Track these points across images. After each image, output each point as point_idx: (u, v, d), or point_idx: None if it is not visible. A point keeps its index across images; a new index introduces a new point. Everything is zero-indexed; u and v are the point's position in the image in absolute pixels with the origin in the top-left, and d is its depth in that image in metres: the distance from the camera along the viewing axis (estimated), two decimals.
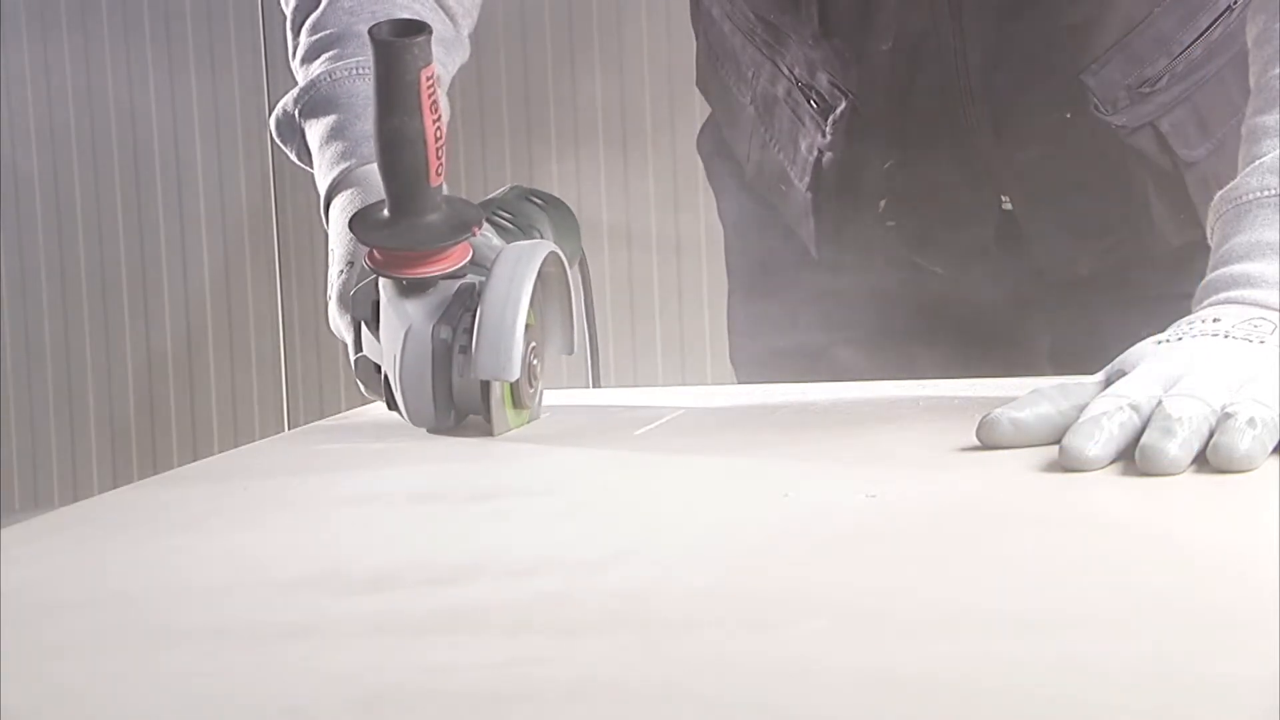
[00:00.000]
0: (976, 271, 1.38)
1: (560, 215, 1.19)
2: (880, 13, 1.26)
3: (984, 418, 0.90)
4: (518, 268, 1.03)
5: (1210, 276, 0.99)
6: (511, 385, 1.06)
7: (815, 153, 1.35)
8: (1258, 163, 1.02)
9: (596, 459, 0.99)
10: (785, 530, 0.76)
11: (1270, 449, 0.82)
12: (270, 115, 1.20)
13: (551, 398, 1.16)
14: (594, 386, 1.27)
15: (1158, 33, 1.27)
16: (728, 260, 1.53)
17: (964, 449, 0.91)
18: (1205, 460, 0.82)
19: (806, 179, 1.36)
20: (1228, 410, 0.83)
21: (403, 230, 1.01)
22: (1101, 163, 1.30)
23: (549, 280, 1.10)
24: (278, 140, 1.20)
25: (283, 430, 1.63)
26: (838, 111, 1.32)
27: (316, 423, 1.27)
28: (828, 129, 1.33)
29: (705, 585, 0.67)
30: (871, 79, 1.30)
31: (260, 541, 0.80)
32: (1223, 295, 0.96)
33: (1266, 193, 1.00)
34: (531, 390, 1.08)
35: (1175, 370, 0.88)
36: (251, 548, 0.78)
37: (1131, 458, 0.83)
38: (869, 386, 1.25)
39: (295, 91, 1.19)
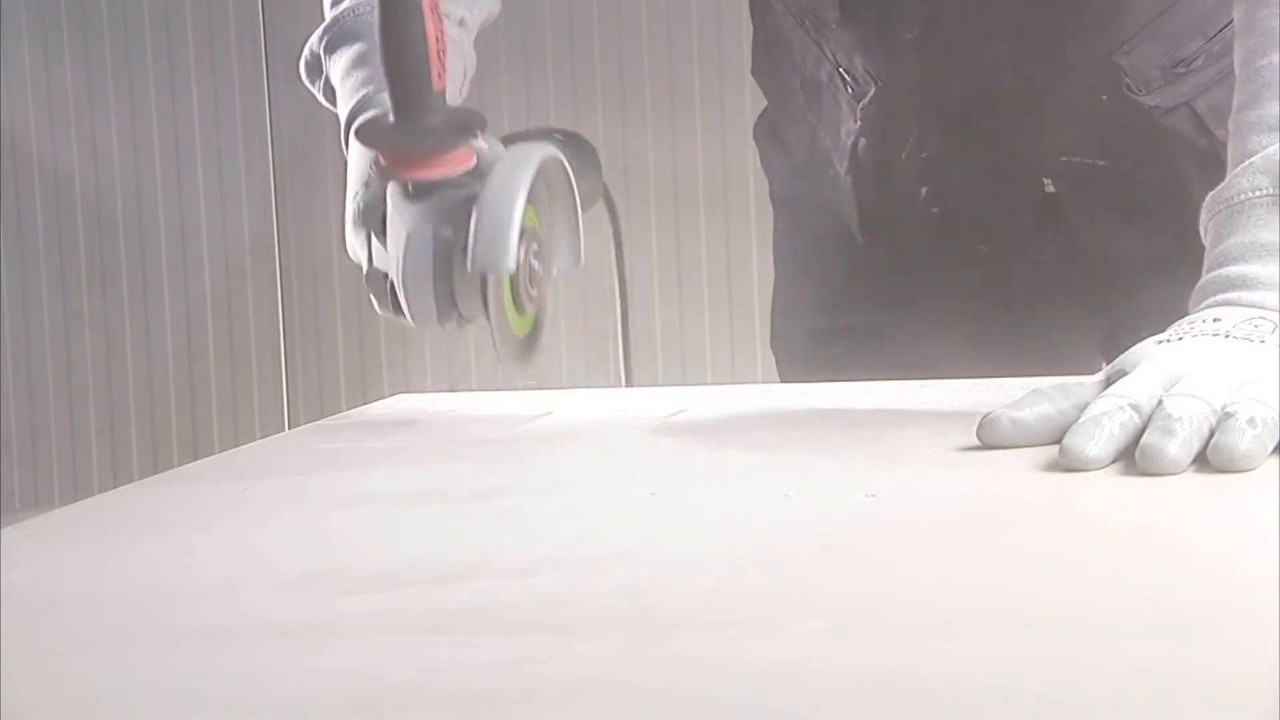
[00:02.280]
0: (1022, 255, 1.38)
1: (580, 150, 1.19)
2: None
3: (984, 417, 0.90)
4: (516, 164, 1.03)
5: (1207, 278, 0.99)
6: (512, 284, 1.05)
7: (851, 138, 1.36)
8: (1248, 162, 1.02)
9: (597, 459, 0.99)
10: (786, 530, 0.76)
11: (1270, 449, 0.82)
12: (299, 60, 1.21)
13: (551, 397, 1.16)
14: (624, 340, 1.27)
15: (1192, 13, 1.27)
16: (775, 246, 1.53)
17: (964, 448, 0.91)
18: (1206, 460, 0.82)
19: (845, 163, 1.37)
20: (1228, 410, 0.83)
21: (405, 132, 1.02)
22: (1138, 144, 1.29)
23: (555, 189, 1.09)
24: (305, 81, 1.21)
25: (283, 430, 1.63)
26: (868, 97, 1.33)
27: (317, 422, 1.27)
28: (858, 114, 1.34)
29: (706, 585, 0.67)
30: (899, 65, 1.30)
31: (260, 541, 0.80)
32: (1221, 297, 0.96)
33: (1258, 193, 1.00)
34: (534, 292, 1.07)
35: (1176, 370, 0.88)
36: (252, 547, 0.78)
37: (1132, 457, 0.83)
38: (869, 386, 1.25)
39: (320, 29, 1.20)
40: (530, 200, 1.02)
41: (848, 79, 1.34)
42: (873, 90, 1.32)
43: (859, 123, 1.34)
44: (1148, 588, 0.63)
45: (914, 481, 0.86)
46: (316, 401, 1.70)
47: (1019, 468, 0.85)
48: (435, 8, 1.00)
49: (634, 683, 0.54)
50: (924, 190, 1.36)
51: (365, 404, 1.48)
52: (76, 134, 1.77)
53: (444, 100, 1.02)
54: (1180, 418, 0.82)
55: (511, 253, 1.01)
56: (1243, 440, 0.81)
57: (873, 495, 0.82)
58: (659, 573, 0.69)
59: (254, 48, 1.71)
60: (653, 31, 2.02)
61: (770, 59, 1.46)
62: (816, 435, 1.05)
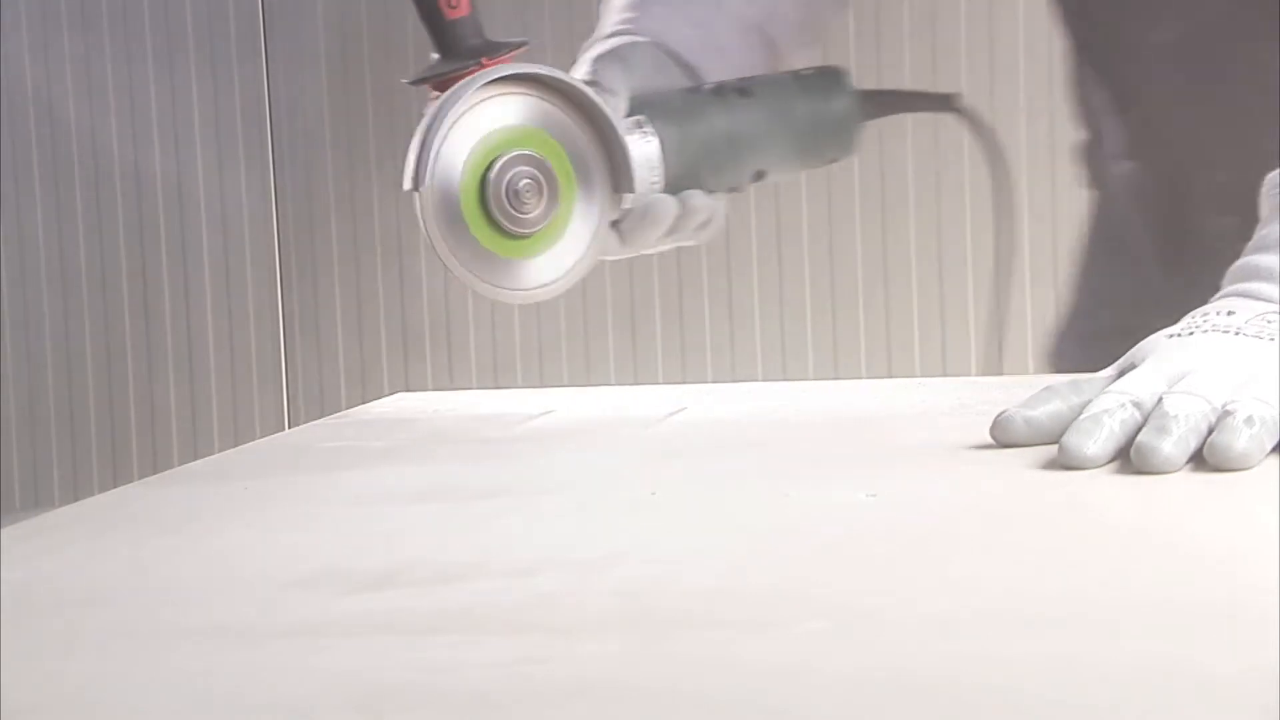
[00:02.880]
0: None
1: (827, 92, 1.13)
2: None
3: (998, 416, 0.89)
4: (453, 91, 1.04)
5: (1237, 262, 0.97)
6: (483, 209, 1.04)
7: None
8: None
9: (598, 458, 0.99)
10: (786, 530, 0.76)
11: (1268, 447, 0.82)
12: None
13: (551, 397, 1.16)
14: (999, 315, 1.22)
15: None
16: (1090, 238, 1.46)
17: (964, 447, 0.91)
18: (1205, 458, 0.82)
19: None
20: (1228, 408, 0.83)
21: (429, 67, 1.04)
22: None
23: (587, 111, 1.05)
24: None
25: (283, 429, 1.63)
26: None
27: (317, 421, 1.27)
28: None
29: (706, 585, 0.67)
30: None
31: (260, 540, 0.80)
32: (1239, 286, 0.94)
33: None
34: (523, 216, 1.04)
35: (1181, 366, 0.87)
36: (252, 547, 0.78)
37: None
38: (868, 385, 1.25)
39: None
40: (540, 124, 1.03)
41: None
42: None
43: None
44: (1148, 587, 0.63)
45: (914, 481, 0.86)
46: (316, 400, 1.70)
47: (1019, 467, 0.85)
48: None
49: (634, 683, 0.54)
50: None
51: (365, 403, 1.48)
52: (77, 135, 1.77)
53: (476, 33, 1.03)
54: (1176, 416, 0.82)
55: (409, 172, 1.02)
56: (1239, 439, 0.81)
57: (873, 495, 0.82)
58: (659, 572, 0.69)
59: (255, 48, 1.71)
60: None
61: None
62: (817, 434, 1.05)
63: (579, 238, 1.05)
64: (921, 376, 1.43)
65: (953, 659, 0.55)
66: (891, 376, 1.44)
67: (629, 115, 1.06)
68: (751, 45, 1.17)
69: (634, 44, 1.11)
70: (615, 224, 1.05)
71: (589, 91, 1.05)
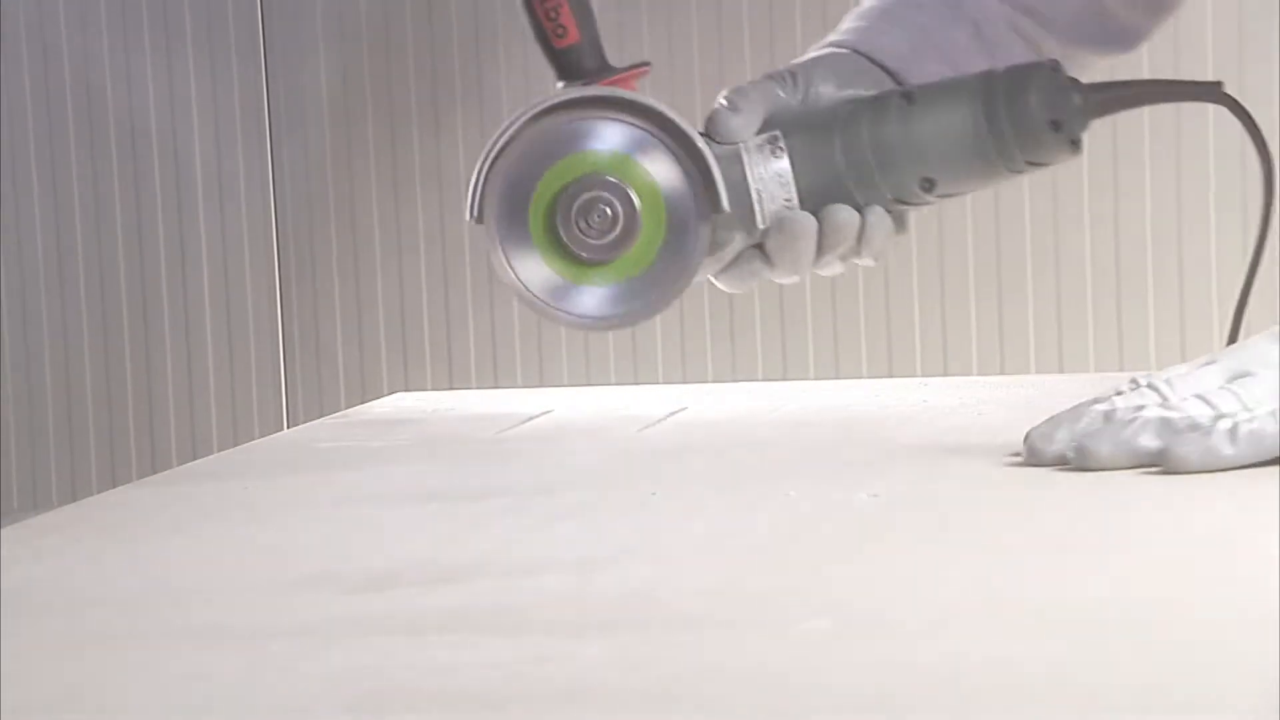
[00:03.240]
0: None
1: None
2: None
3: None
4: (515, 114, 1.03)
5: None
6: (548, 227, 1.03)
7: None
8: None
9: (598, 458, 0.99)
10: (787, 530, 0.76)
11: (1233, 458, 0.81)
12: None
13: (550, 397, 1.16)
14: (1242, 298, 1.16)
15: None
16: None
17: (967, 447, 0.91)
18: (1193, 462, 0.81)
19: None
20: (1219, 416, 0.82)
21: (553, 93, 1.04)
22: None
23: (670, 131, 1.03)
24: None
25: (282, 429, 1.63)
26: None
27: (316, 421, 1.27)
28: None
29: (707, 585, 0.67)
30: None
31: (259, 541, 0.80)
32: None
33: None
34: (597, 242, 1.02)
35: (1232, 371, 0.86)
36: (251, 547, 0.78)
37: (1159, 459, 0.82)
38: (871, 384, 1.25)
39: None
40: (623, 148, 1.02)
41: None
42: None
43: None
44: (1153, 587, 0.63)
45: (917, 480, 0.86)
46: (315, 400, 1.70)
47: (1023, 467, 0.85)
48: None
49: (634, 684, 0.54)
50: None
51: (365, 402, 1.48)
52: (75, 135, 1.77)
53: (572, 54, 1.02)
54: (1134, 419, 0.83)
55: (468, 202, 1.02)
56: (1184, 446, 0.81)
57: (875, 495, 0.82)
58: (659, 572, 0.69)
59: (254, 48, 1.71)
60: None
61: None
62: (818, 433, 1.05)
63: (672, 261, 1.02)
64: (923, 376, 1.43)
65: (955, 659, 0.55)
66: (893, 376, 1.44)
67: (762, 132, 1.03)
68: (990, 40, 1.11)
69: (826, 56, 1.08)
70: (760, 247, 1.03)
71: (666, 110, 1.02)
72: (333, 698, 0.54)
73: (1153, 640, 0.56)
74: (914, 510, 0.79)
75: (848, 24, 1.11)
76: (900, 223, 1.06)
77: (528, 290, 1.03)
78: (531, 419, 1.13)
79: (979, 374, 1.44)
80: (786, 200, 1.03)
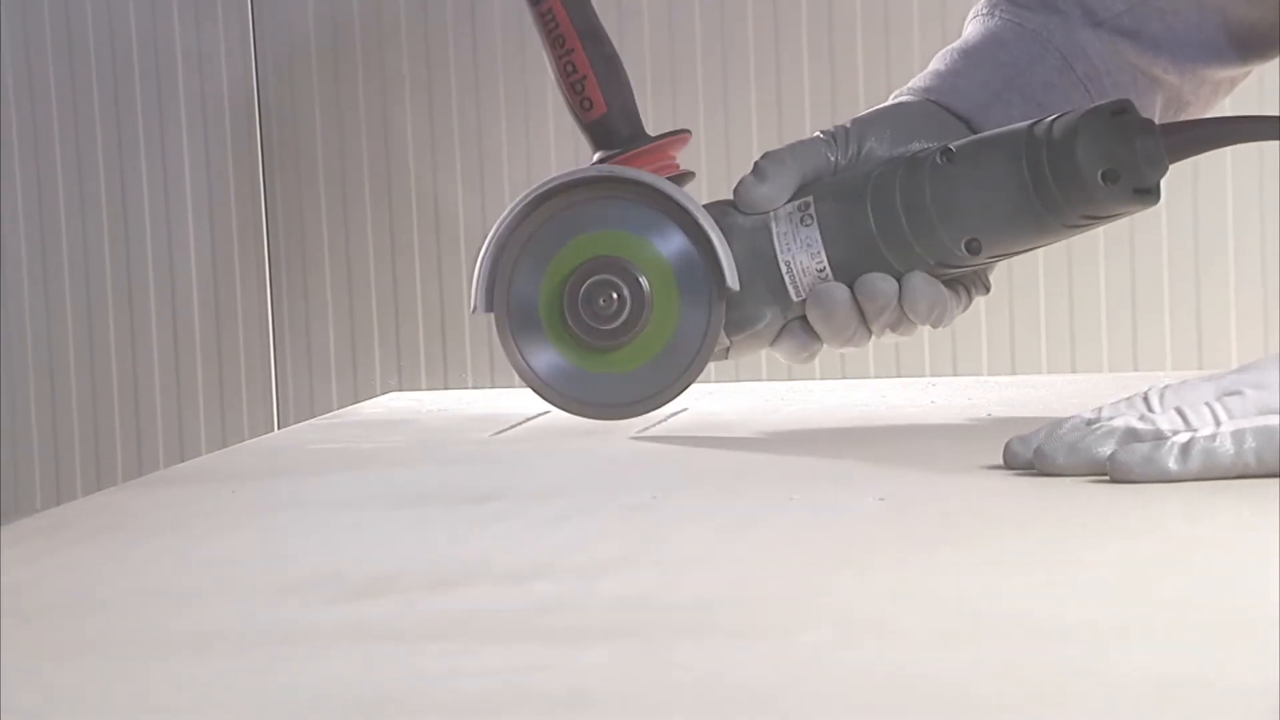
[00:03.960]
0: None
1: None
2: None
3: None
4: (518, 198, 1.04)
5: None
6: (555, 317, 1.04)
7: None
8: None
9: (596, 460, 0.99)
10: (792, 535, 0.76)
11: (1178, 473, 0.81)
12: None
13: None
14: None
15: None
16: None
17: (977, 449, 0.91)
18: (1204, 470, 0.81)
19: None
20: (1188, 430, 0.82)
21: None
22: None
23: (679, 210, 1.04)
24: None
25: (272, 430, 1.63)
26: None
27: (307, 422, 1.27)
28: None
29: (708, 592, 0.67)
30: None
31: (248, 545, 0.80)
32: None
33: None
34: (605, 328, 1.02)
35: (1225, 389, 0.86)
36: (239, 552, 0.78)
37: (1189, 469, 0.82)
38: (877, 384, 1.25)
39: None
40: (628, 228, 1.02)
41: None
42: None
43: None
44: (1163, 595, 0.63)
45: (926, 484, 0.86)
46: (306, 400, 1.70)
47: (1026, 474, 0.85)
48: (556, 38, 1.02)
49: (634, 693, 0.54)
50: None
51: (357, 403, 1.48)
52: (60, 128, 1.77)
53: (603, 125, 1.04)
54: (1100, 427, 0.83)
55: (473, 292, 1.04)
56: (1126, 454, 0.81)
57: (882, 499, 0.82)
58: (660, 579, 0.69)
59: (243, 36, 1.71)
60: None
61: None
62: (823, 435, 1.05)
63: (688, 343, 1.02)
64: (931, 376, 1.43)
65: (965, 668, 0.55)
66: (900, 376, 1.44)
67: (795, 199, 1.02)
68: (1086, 75, 1.05)
69: (890, 108, 1.06)
70: (802, 319, 1.02)
71: (669, 188, 1.02)
72: (324, 707, 0.54)
73: (1164, 651, 0.56)
74: (923, 515, 0.79)
75: (931, 66, 1.08)
76: (959, 289, 1.03)
77: (542, 381, 1.04)
78: (528, 420, 1.13)
79: (989, 374, 1.44)
80: (820, 270, 1.01)
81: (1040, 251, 1.44)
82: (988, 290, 1.07)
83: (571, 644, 0.59)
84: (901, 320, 1.01)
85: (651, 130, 1.06)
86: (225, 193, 1.71)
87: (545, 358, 1.04)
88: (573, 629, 0.62)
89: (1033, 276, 1.47)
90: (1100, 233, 1.45)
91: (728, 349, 1.04)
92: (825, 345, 1.03)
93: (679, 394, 1.04)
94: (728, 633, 0.60)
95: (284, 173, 1.64)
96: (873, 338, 1.02)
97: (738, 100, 1.52)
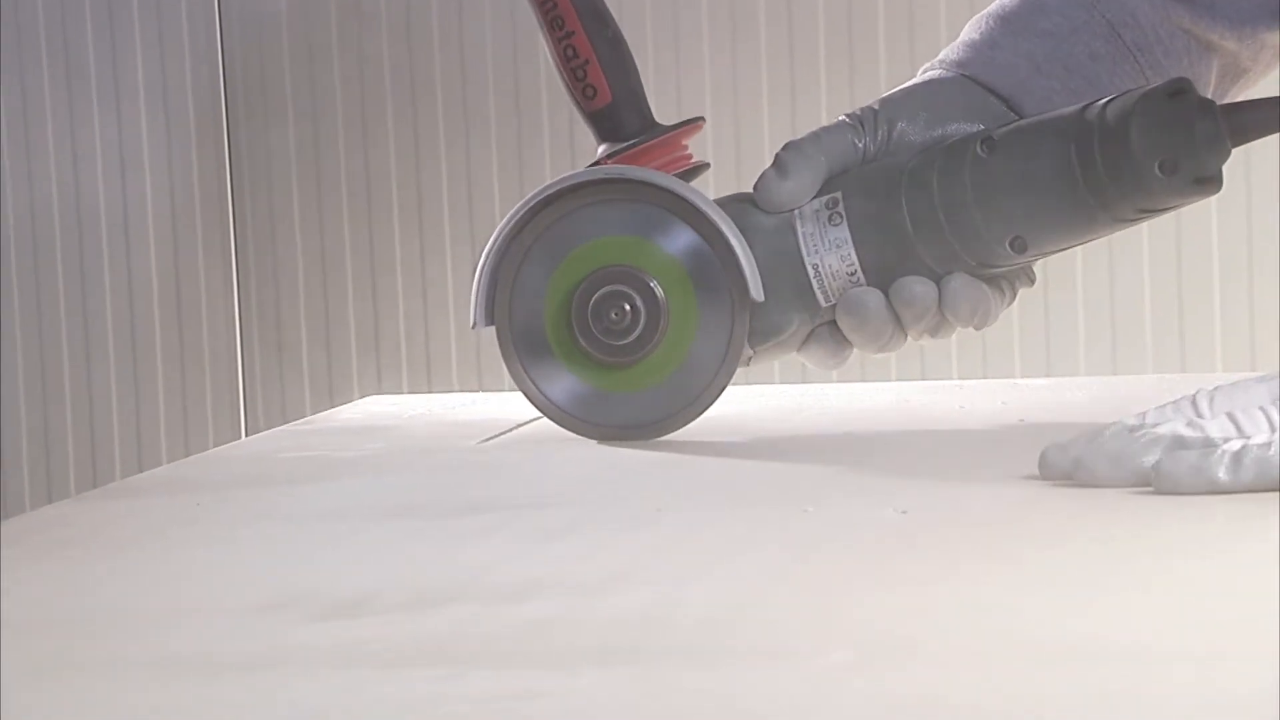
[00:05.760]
0: None
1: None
2: None
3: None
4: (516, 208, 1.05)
5: None
6: (557, 330, 1.04)
7: None
8: None
9: (593, 468, 1.00)
10: (806, 550, 0.77)
11: (1227, 484, 0.81)
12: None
13: None
14: None
15: None
16: None
17: (1008, 457, 0.91)
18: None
19: None
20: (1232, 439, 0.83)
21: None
22: None
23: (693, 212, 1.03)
24: None
25: (239, 436, 1.63)
26: None
27: (278, 428, 1.28)
28: None
29: (716, 612, 0.67)
30: None
31: (215, 562, 0.80)
32: None
33: None
34: (618, 344, 1.03)
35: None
36: (204, 569, 0.79)
37: (1203, 482, 0.82)
38: (901, 387, 1.26)
39: None
40: (642, 233, 1.02)
41: None
42: None
43: None
44: (1213, 618, 0.63)
45: (952, 496, 0.87)
46: (277, 404, 1.71)
47: (1063, 484, 0.85)
48: (554, 20, 1.02)
49: None
50: None
51: (333, 407, 1.48)
52: (6, 107, 1.77)
53: (608, 116, 1.04)
54: (1146, 435, 0.83)
55: (472, 308, 1.04)
56: (1173, 464, 0.81)
57: (905, 511, 0.82)
58: (663, 597, 0.69)
59: (207, 14, 1.72)
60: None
61: None
62: (841, 442, 1.05)
63: (709, 356, 1.02)
64: (959, 379, 1.44)
65: (993, 696, 0.55)
66: (925, 378, 1.45)
67: (822, 194, 1.01)
68: (1135, 45, 1.04)
69: (923, 85, 1.05)
70: (831, 324, 1.02)
71: (681, 189, 1.02)
72: None
73: (1210, 678, 0.57)
74: (949, 530, 0.80)
75: (963, 36, 1.07)
76: (1003, 286, 1.03)
77: (553, 405, 1.04)
78: (519, 426, 1.14)
79: (1023, 377, 1.44)
80: (850, 273, 1.00)
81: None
82: (1032, 283, 1.06)
83: (567, 668, 0.60)
84: (942, 324, 1.01)
85: (660, 118, 1.06)
86: (187, 172, 1.71)
87: (553, 377, 1.04)
88: (569, 652, 0.62)
89: (1070, 269, 1.47)
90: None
91: (750, 358, 1.04)
92: (848, 350, 1.03)
93: (699, 414, 1.03)
94: (737, 655, 0.61)
95: (253, 159, 1.65)
96: (902, 344, 1.02)
97: (748, 81, 1.53)
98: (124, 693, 0.60)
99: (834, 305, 1.01)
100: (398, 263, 1.62)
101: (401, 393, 1.59)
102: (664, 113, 1.08)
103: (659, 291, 1.02)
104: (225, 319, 1.71)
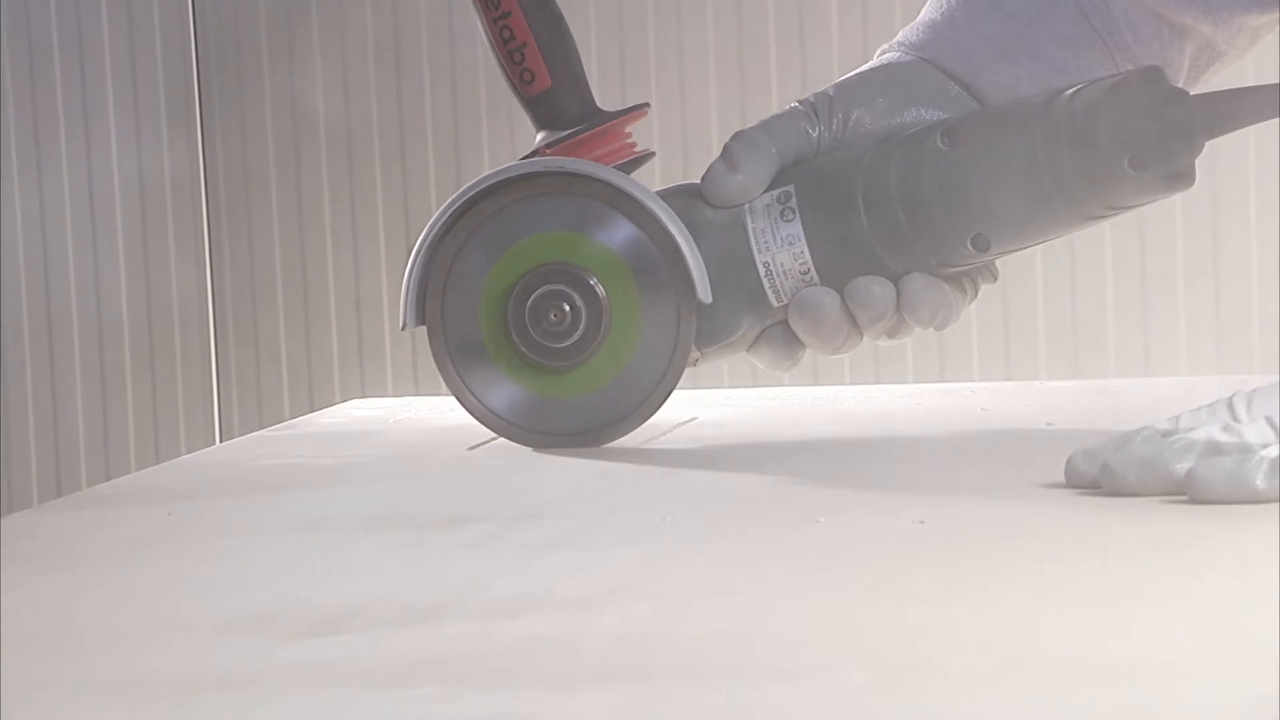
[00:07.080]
0: None
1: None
2: None
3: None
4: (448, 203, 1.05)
5: None
6: (494, 333, 1.05)
7: None
8: None
9: (590, 477, 1.00)
10: (817, 562, 0.77)
11: (1265, 492, 0.81)
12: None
13: None
14: None
15: None
16: None
17: (1029, 464, 0.91)
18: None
19: None
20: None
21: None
22: None
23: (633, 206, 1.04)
24: None
25: (213, 443, 1.64)
26: None
27: (255, 433, 1.28)
28: None
29: (720, 628, 0.67)
30: None
31: (188, 576, 0.80)
32: None
33: None
34: (557, 346, 1.03)
35: None
36: (177, 583, 0.79)
37: (1241, 490, 0.82)
38: (917, 389, 1.26)
39: None
40: (580, 228, 1.02)
41: None
42: None
43: None
44: (1249, 634, 0.64)
45: (972, 505, 0.87)
46: (254, 407, 1.71)
47: (1091, 493, 0.85)
48: (489, 6, 1.02)
49: None
50: None
51: (313, 411, 1.49)
52: None
53: (546, 102, 1.04)
54: (1179, 440, 0.83)
55: (402, 307, 1.05)
56: (1207, 470, 0.81)
57: (922, 521, 0.82)
58: (665, 613, 0.69)
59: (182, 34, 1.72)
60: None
61: None
62: (854, 448, 1.05)
63: (655, 359, 1.03)
64: (980, 380, 1.44)
65: (1010, 716, 0.56)
66: (944, 380, 1.45)
67: (774, 188, 1.02)
68: (1104, 29, 1.04)
69: (880, 69, 1.05)
70: (784, 323, 1.03)
71: (623, 182, 1.02)
72: None
73: (1247, 698, 0.57)
74: (968, 541, 0.80)
75: (923, 15, 1.07)
76: (965, 284, 1.04)
77: (490, 412, 1.04)
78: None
79: (1047, 378, 1.45)
80: (804, 272, 1.01)
81: (1106, 233, 1.45)
82: (995, 279, 1.07)
83: (564, 688, 0.60)
84: (900, 326, 1.02)
85: (602, 104, 1.06)
86: (158, 158, 1.71)
87: (490, 382, 1.05)
88: (566, 670, 0.62)
89: (1097, 262, 1.48)
90: (1177, 212, 1.46)
91: (697, 360, 1.05)
92: (800, 351, 1.04)
93: (643, 421, 1.04)
94: (743, 675, 0.61)
95: (227, 150, 1.65)
96: (856, 345, 1.03)
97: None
98: (92, 717, 0.60)
99: (786, 305, 1.02)
100: (382, 260, 1.63)
101: (386, 396, 1.59)
102: (607, 98, 1.09)
103: (600, 291, 1.02)
104: (198, 316, 1.71)
